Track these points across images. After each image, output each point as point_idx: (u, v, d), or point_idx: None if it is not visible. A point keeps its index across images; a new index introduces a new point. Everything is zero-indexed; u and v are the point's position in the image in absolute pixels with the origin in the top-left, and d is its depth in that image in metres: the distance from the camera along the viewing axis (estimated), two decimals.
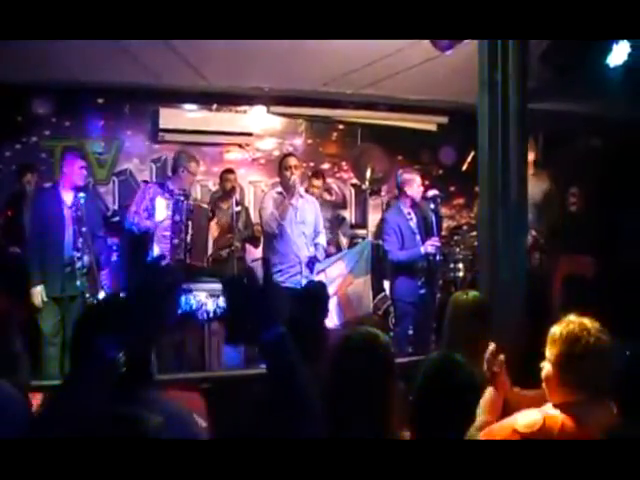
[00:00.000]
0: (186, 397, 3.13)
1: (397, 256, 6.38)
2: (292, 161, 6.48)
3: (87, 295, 5.71)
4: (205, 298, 5.88)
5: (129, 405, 2.11)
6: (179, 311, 5.65)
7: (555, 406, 2.45)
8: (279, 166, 6.60)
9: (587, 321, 2.52)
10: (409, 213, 6.46)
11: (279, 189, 6.58)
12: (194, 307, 5.84)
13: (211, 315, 5.86)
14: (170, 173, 6.80)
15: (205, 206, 6.62)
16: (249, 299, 1.75)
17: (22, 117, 7.64)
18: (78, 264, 5.65)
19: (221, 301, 5.78)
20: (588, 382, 2.46)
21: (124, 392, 2.06)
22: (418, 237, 6.38)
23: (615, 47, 5.04)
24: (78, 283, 5.65)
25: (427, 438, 2.42)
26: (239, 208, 7.24)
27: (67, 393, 1.84)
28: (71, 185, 5.73)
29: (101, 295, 5.88)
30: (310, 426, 1.73)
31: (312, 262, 6.40)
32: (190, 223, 6.22)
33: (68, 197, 5.71)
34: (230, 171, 7.55)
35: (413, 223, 6.44)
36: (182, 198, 6.19)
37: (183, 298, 5.77)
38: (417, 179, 6.50)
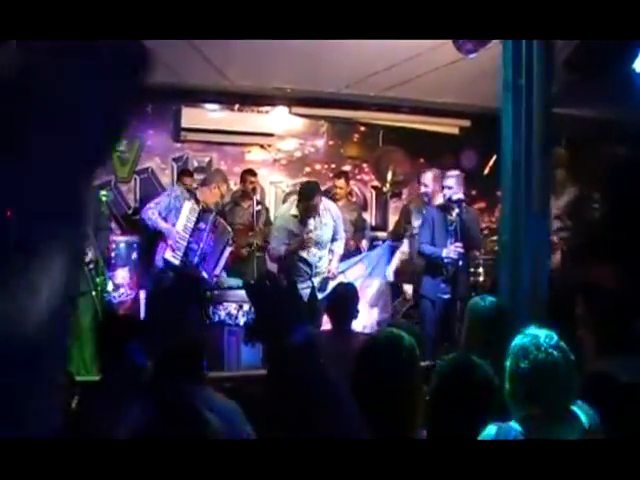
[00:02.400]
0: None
1: (422, 249, 6.44)
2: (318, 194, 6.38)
3: (94, 292, 5.76)
4: (234, 310, 5.92)
5: (182, 400, 2.12)
6: (207, 320, 5.66)
7: (514, 419, 2.45)
8: (307, 194, 6.31)
9: (543, 334, 2.49)
10: (450, 213, 6.41)
11: (294, 212, 6.37)
12: (222, 317, 5.87)
13: (239, 323, 5.89)
14: (200, 183, 6.87)
15: (229, 230, 6.68)
16: (273, 302, 1.74)
17: None
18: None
19: (247, 308, 5.81)
20: (538, 397, 2.43)
21: (177, 389, 2.08)
22: (451, 239, 6.32)
23: None
24: (87, 279, 5.71)
25: (443, 438, 2.42)
26: (260, 207, 7.27)
27: (98, 396, 1.86)
28: None
29: (110, 288, 5.96)
30: (346, 426, 1.71)
31: (325, 281, 6.34)
32: (213, 236, 6.29)
33: None
34: (252, 172, 7.56)
35: (451, 223, 6.38)
36: (210, 209, 6.28)
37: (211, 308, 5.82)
38: (448, 180, 6.47)
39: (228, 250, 6.56)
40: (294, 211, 6.30)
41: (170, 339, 2.25)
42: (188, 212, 6.18)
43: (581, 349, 3.42)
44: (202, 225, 6.23)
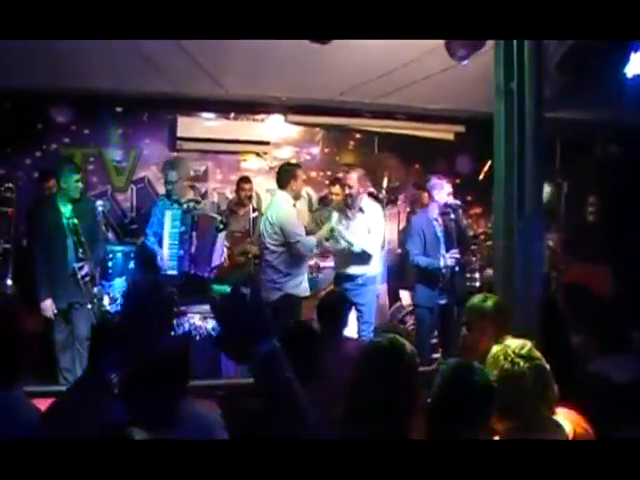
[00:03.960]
0: (204, 405, 3.13)
1: (417, 260, 6.40)
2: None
3: (89, 304, 5.78)
4: (198, 320, 5.95)
5: (162, 412, 2.14)
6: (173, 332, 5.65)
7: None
8: (293, 178, 6.46)
9: (515, 344, 2.47)
10: (436, 219, 6.42)
11: (292, 202, 6.45)
12: (187, 329, 5.88)
13: (204, 334, 5.92)
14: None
15: (214, 216, 6.63)
16: (238, 316, 1.76)
17: (42, 125, 7.72)
18: (81, 273, 5.74)
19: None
20: (509, 410, 2.41)
21: (159, 400, 2.07)
22: (443, 245, 6.34)
23: (633, 55, 5.01)
24: (82, 291, 5.75)
25: (439, 440, 2.41)
26: (256, 214, 7.28)
27: (66, 403, 1.89)
28: (68, 198, 5.83)
29: (106, 301, 5.98)
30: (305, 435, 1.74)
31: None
32: (194, 234, 6.29)
33: (66, 209, 5.82)
34: (246, 180, 7.60)
35: (439, 230, 6.40)
36: (187, 209, 6.29)
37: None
38: (446, 185, 6.46)
39: (220, 237, 6.52)
40: (292, 202, 6.39)
41: (145, 350, 2.25)
42: (170, 220, 6.27)
43: (574, 351, 3.43)
44: (183, 228, 6.29)
